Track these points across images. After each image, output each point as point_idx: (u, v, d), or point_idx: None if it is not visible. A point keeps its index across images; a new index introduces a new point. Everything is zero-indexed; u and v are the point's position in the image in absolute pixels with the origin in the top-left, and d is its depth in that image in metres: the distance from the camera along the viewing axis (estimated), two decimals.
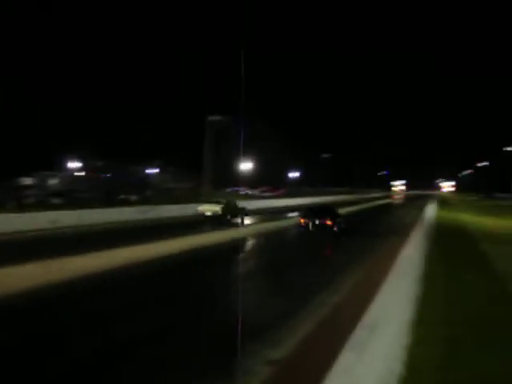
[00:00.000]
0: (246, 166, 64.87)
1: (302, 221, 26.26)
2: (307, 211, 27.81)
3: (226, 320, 9.16)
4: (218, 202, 33.35)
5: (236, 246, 21.61)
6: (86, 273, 13.09)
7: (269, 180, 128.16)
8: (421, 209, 50.73)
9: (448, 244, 19.83)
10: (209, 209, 32.59)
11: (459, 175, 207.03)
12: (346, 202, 74.55)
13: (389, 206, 71.03)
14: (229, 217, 32.29)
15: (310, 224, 25.57)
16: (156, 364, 6.97)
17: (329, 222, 25.30)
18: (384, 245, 20.94)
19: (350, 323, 7.31)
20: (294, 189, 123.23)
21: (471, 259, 16.12)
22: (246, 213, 34.88)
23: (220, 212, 31.88)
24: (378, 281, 11.37)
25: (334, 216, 26.36)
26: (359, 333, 6.67)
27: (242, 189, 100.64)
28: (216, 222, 30.70)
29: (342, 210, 34.26)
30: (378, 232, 29.17)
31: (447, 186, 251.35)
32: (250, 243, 23.28)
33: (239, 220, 32.80)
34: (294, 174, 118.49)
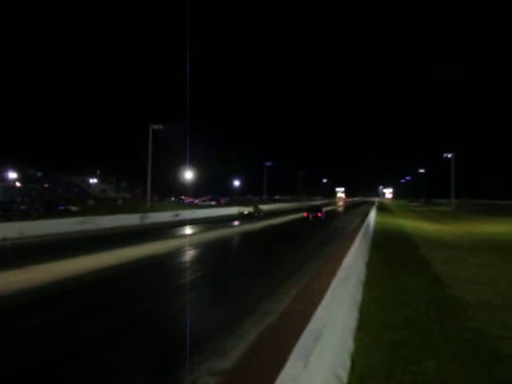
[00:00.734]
0: (188, 175, 64.63)
1: (305, 214, 49.03)
2: (308, 209, 51.99)
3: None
4: (248, 206, 60.75)
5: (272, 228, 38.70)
6: (8, 290, 12.61)
7: (212, 189, 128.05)
8: (363, 214, 52.15)
9: (389, 248, 20.19)
10: (246, 209, 56.90)
11: (400, 181, 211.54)
12: (296, 208, 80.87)
13: (335, 212, 72.00)
14: (256, 214, 54.96)
15: (310, 216, 48.07)
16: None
17: (319, 215, 48.49)
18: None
19: None
20: (239, 198, 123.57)
21: (411, 263, 16.48)
22: (264, 212, 58.22)
23: (252, 211, 55.96)
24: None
25: (321, 211, 49.40)
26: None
27: (186, 198, 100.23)
28: (250, 216, 52.55)
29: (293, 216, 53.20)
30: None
31: (388, 193, 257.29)
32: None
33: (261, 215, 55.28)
34: (237, 183, 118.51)
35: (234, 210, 63.25)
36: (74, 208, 51.88)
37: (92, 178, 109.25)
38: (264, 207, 69.91)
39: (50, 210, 46.20)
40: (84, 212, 45.36)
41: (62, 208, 50.51)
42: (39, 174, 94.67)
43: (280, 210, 74.32)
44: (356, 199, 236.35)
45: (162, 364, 7.37)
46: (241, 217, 52.30)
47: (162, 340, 8.64)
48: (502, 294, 11.46)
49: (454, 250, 21.30)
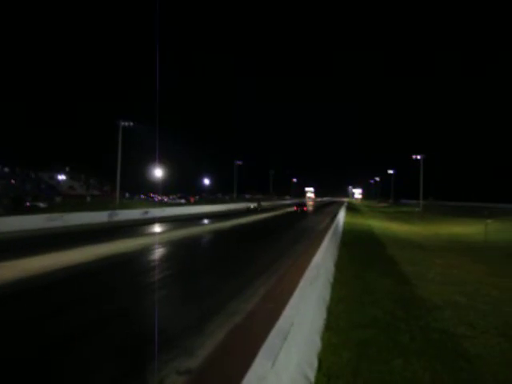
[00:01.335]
0: (158, 173, 64.26)
1: (295, 208, 68.56)
2: (297, 204, 75.12)
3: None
4: (253, 202, 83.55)
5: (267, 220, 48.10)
6: None
7: (182, 187, 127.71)
8: (333, 214, 52.65)
9: (358, 248, 20.35)
10: (252, 205, 77.94)
11: (370, 182, 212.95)
12: (267, 208, 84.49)
13: (304, 212, 72.71)
14: (259, 209, 74.52)
15: (299, 209, 66.27)
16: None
17: (305, 209, 69.38)
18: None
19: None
20: (209, 196, 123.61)
21: (380, 262, 16.65)
22: (263, 208, 79.07)
23: (256, 206, 76.80)
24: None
25: (306, 206, 76.06)
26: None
27: (155, 196, 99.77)
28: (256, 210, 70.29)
29: (262, 216, 54.73)
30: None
31: (357, 193, 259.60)
32: (276, 217, 53.59)
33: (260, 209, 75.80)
34: (207, 182, 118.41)
35: (204, 209, 63.05)
36: (41, 205, 51.17)
37: (60, 174, 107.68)
38: (236, 206, 78.90)
39: (17, 207, 45.51)
40: (52, 209, 44.72)
41: (29, 204, 49.82)
42: (6, 169, 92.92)
43: (252, 209, 74.99)
44: (325, 199, 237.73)
45: (129, 362, 7.31)
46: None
47: (130, 338, 8.53)
48: (467, 294, 11.66)
49: (421, 251, 21.60)
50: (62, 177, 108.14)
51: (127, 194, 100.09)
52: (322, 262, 10.71)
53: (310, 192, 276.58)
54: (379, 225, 41.75)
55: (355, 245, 21.88)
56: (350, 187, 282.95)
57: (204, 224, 39.82)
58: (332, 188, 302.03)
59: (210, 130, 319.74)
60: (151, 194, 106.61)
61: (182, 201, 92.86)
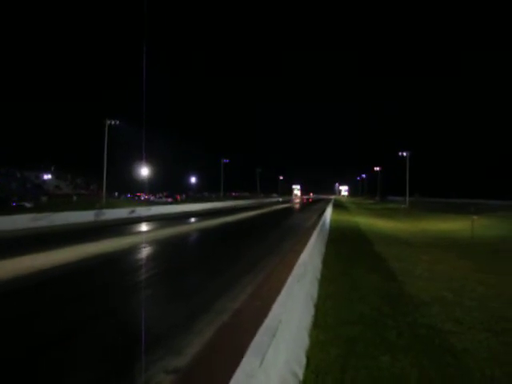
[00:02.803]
0: (144, 171, 64.06)
1: (304, 200, 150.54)
2: (306, 197, 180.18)
3: None
4: (278, 197, 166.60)
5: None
6: None
7: (169, 186, 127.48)
8: (320, 211, 52.79)
9: (345, 245, 20.42)
10: (280, 199, 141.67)
11: (357, 179, 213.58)
12: (252, 206, 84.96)
13: (293, 210, 72.89)
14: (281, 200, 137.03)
15: (306, 201, 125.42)
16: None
17: (310, 200, 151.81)
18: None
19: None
20: (195, 194, 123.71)
21: (367, 259, 16.71)
22: (283, 201, 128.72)
23: (283, 200, 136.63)
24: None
25: (312, 198, 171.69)
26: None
27: (142, 195, 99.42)
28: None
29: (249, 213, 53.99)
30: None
31: (344, 190, 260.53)
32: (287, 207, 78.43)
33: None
34: (193, 180, 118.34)
35: (190, 207, 62.74)
36: (27, 204, 50.85)
37: (46, 173, 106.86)
38: (223, 204, 77.64)
39: (3, 207, 45.17)
40: (38, 208, 44.42)
41: (15, 204, 49.49)
42: None
43: (239, 207, 75.27)
44: (315, 196, 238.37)
45: (117, 361, 7.27)
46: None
47: (119, 338, 8.46)
48: (454, 290, 11.73)
49: (408, 247, 21.72)
50: (47, 176, 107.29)
51: (116, 194, 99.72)
52: (310, 259, 10.72)
53: (296, 189, 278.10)
54: (366, 221, 41.90)
55: (342, 242, 21.94)
56: (337, 184, 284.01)
57: (191, 222, 39.73)
58: (319, 185, 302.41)
59: (198, 129, 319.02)
60: (138, 193, 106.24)
61: (169, 199, 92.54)
